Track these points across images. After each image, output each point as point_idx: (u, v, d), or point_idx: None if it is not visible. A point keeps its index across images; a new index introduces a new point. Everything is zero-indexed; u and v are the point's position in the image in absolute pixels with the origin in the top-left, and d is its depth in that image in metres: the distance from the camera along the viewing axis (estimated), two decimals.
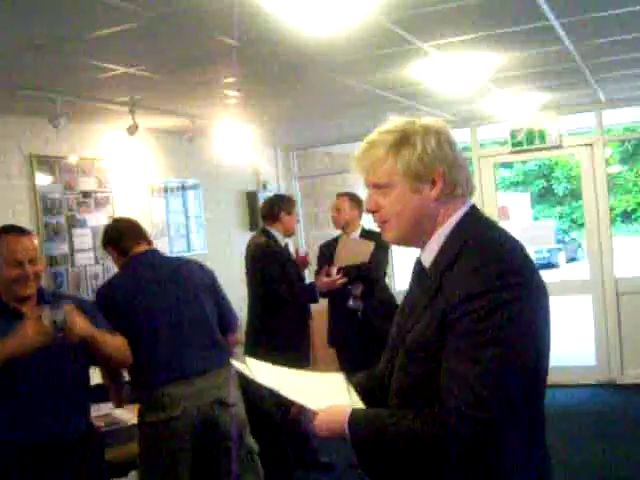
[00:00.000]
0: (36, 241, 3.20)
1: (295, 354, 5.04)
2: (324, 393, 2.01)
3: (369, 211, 1.94)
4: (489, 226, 1.88)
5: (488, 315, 1.66)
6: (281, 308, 5.40)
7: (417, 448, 1.72)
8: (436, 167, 1.83)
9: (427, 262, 1.89)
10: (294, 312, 5.50)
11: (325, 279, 5.53)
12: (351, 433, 1.80)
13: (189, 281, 3.98)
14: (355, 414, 1.84)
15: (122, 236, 3.99)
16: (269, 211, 5.64)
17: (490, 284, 1.68)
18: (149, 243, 4.06)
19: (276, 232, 5.58)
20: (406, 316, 1.92)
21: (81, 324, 3.02)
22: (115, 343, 3.31)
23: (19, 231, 3.16)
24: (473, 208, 1.90)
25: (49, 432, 3.08)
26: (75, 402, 3.22)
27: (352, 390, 2.04)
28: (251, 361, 2.15)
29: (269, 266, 5.42)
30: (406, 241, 1.95)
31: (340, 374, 2.16)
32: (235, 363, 2.17)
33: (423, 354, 1.79)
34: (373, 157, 1.88)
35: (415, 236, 1.91)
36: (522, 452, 1.80)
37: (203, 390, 3.83)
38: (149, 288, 3.87)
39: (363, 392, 2.04)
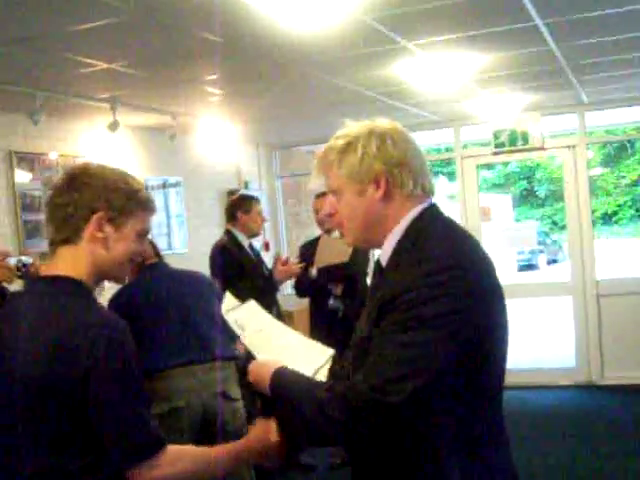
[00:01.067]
0: None
1: None
2: (295, 357, 2.07)
3: (328, 215, 2.00)
4: (439, 226, 1.89)
5: (409, 309, 1.69)
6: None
7: (317, 416, 1.76)
8: (376, 168, 1.86)
9: (384, 262, 1.93)
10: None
11: (281, 267, 5.55)
12: (270, 385, 1.91)
13: (198, 286, 4.14)
14: (281, 370, 1.93)
15: None
16: (227, 212, 5.73)
17: (417, 282, 1.71)
18: (158, 255, 4.22)
19: (237, 232, 5.61)
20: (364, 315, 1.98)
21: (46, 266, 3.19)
22: None
23: None
24: (428, 208, 1.91)
25: None
26: None
27: (326, 368, 2.14)
28: (251, 305, 2.27)
29: (223, 265, 5.48)
30: (364, 243, 2.03)
31: (331, 350, 2.27)
32: (231, 299, 2.24)
33: (364, 349, 1.83)
34: (326, 163, 1.93)
35: (371, 238, 1.95)
36: (454, 446, 1.78)
37: (208, 382, 3.87)
38: (160, 291, 4.01)
39: None
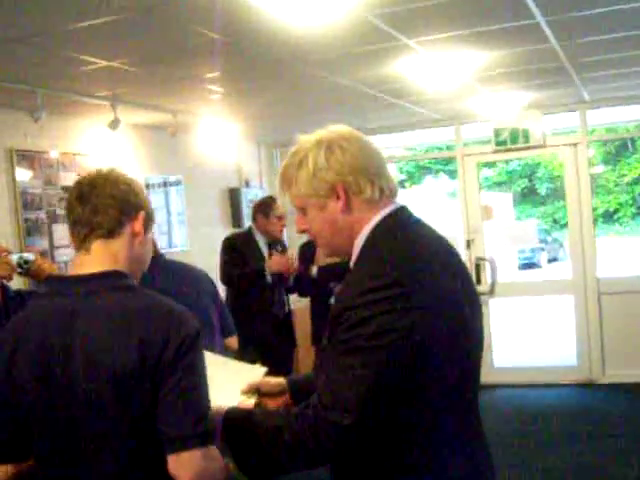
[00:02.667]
0: None
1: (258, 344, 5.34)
2: (222, 384, 2.09)
3: (301, 232, 2.01)
4: (396, 235, 1.85)
5: (354, 327, 1.69)
6: (241, 297, 5.58)
7: (280, 442, 1.78)
8: (330, 179, 1.84)
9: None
10: (256, 302, 5.58)
11: (276, 258, 5.60)
12: (224, 430, 1.91)
13: (194, 285, 4.06)
14: (230, 412, 1.96)
15: None
16: (251, 211, 5.87)
17: (360, 298, 1.71)
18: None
19: (257, 232, 5.73)
20: None
21: (49, 265, 3.28)
22: None
23: None
24: (390, 216, 1.88)
25: None
26: None
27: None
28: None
29: (222, 251, 5.67)
30: (337, 254, 2.02)
31: (263, 369, 2.40)
32: None
33: (323, 359, 1.85)
34: (286, 181, 1.94)
35: (341, 249, 1.95)
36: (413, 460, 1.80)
37: None
38: (154, 282, 3.95)
39: (295, 390, 2.22)
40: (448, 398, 1.81)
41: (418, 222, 1.93)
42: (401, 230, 1.86)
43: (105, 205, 1.96)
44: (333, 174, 1.84)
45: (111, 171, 2.04)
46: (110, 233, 1.97)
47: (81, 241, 1.97)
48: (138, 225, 2.01)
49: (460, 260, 1.96)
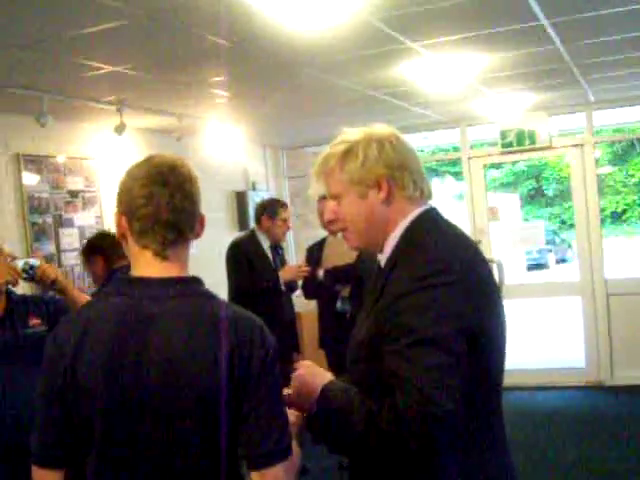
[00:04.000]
0: None
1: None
2: None
3: (329, 221, 2.09)
4: (436, 229, 1.93)
5: (414, 314, 1.73)
6: (249, 303, 5.48)
7: (367, 427, 1.76)
8: (378, 172, 1.92)
9: (383, 264, 1.98)
10: (264, 307, 5.55)
11: (288, 267, 5.68)
12: (318, 400, 1.89)
13: None
14: (329, 385, 1.92)
15: (112, 247, 4.07)
16: (254, 213, 5.85)
17: (414, 284, 1.76)
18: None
19: (260, 234, 5.71)
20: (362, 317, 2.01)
21: (54, 270, 3.28)
22: (81, 299, 3.27)
23: None
24: (427, 211, 1.97)
25: None
26: None
27: None
28: None
29: (231, 260, 5.64)
30: (367, 246, 2.06)
31: None
32: None
33: (364, 353, 1.89)
34: (326, 169, 2.00)
35: (373, 241, 2.00)
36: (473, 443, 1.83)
37: None
38: None
39: None
40: (490, 395, 1.87)
41: (448, 222, 2.01)
42: (439, 225, 1.95)
43: (181, 214, 1.87)
44: (382, 167, 1.92)
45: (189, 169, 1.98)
46: (184, 239, 1.90)
47: (165, 244, 1.84)
48: (200, 228, 1.95)
49: (485, 258, 2.01)
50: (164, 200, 1.83)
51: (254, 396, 1.75)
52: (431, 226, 1.93)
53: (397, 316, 1.75)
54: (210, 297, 1.84)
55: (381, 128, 2.01)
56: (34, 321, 3.25)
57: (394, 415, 1.69)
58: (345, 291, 5.60)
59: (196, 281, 1.87)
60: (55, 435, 1.79)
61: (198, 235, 1.94)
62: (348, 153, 1.95)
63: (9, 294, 3.27)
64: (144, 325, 1.75)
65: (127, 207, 1.86)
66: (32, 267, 3.25)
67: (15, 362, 3.10)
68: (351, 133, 2.00)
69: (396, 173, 1.92)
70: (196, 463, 1.75)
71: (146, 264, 1.84)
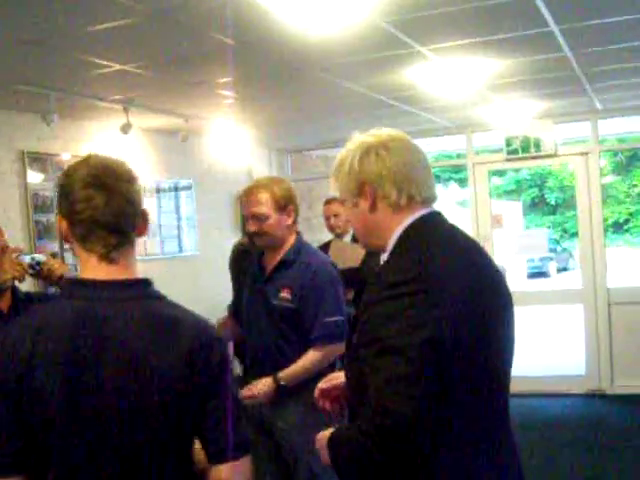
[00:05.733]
0: None
1: None
2: None
3: (348, 220, 2.15)
4: (424, 236, 1.91)
5: (380, 324, 1.74)
6: None
7: (355, 454, 1.81)
8: (362, 181, 1.96)
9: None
10: None
11: None
12: (330, 454, 1.90)
13: None
14: (334, 434, 1.93)
15: None
16: None
17: (382, 293, 1.78)
18: None
19: None
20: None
21: (60, 266, 3.30)
22: None
23: None
24: (422, 218, 1.95)
25: None
26: None
27: None
28: None
29: (231, 261, 5.59)
30: (371, 247, 2.12)
31: None
32: None
33: (351, 357, 1.94)
34: (334, 175, 2.07)
35: (374, 244, 2.05)
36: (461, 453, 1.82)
37: None
38: None
39: None
40: (474, 404, 1.84)
41: (452, 227, 2.00)
42: (428, 232, 1.93)
43: (125, 212, 1.81)
44: (363, 177, 1.95)
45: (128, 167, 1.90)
46: (130, 241, 1.84)
47: (108, 248, 1.80)
48: (145, 226, 1.88)
49: (492, 265, 2.01)
50: (102, 203, 1.77)
51: (212, 395, 1.78)
52: (420, 232, 1.91)
53: (366, 324, 1.79)
54: (160, 298, 1.84)
55: (381, 134, 2.02)
56: None
57: (362, 430, 1.74)
58: (350, 294, 5.59)
59: (146, 283, 1.84)
60: (6, 440, 1.71)
61: (143, 233, 1.87)
62: (342, 162, 2.01)
63: (14, 290, 3.27)
64: (100, 327, 1.72)
65: (67, 211, 1.81)
66: (38, 263, 3.26)
67: None
68: (353, 139, 2.04)
69: (374, 183, 1.94)
70: (161, 463, 1.77)
71: (93, 268, 1.80)
